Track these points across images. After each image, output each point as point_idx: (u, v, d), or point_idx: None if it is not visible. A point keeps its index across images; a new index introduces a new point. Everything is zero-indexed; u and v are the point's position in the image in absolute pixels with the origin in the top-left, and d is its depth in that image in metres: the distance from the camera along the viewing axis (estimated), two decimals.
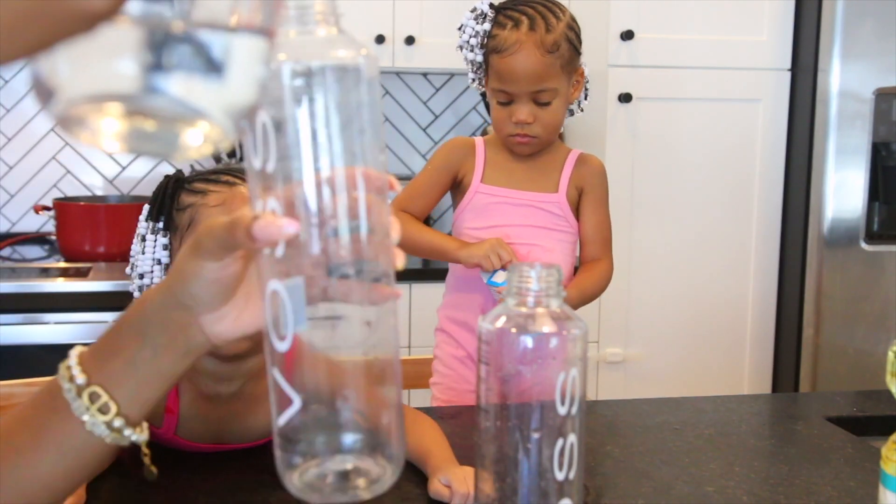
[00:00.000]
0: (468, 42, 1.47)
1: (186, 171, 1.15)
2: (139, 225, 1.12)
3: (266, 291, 0.56)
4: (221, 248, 0.58)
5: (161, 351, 0.61)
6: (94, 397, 0.60)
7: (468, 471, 1.01)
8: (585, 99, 1.56)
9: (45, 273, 2.29)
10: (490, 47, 1.45)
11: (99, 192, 2.79)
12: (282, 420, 0.57)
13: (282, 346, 0.56)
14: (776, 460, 1.15)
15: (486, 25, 1.45)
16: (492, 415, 0.71)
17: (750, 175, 2.51)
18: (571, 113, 1.57)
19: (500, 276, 1.42)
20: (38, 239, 2.70)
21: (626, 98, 2.39)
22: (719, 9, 2.43)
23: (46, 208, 2.55)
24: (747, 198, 2.51)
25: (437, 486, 1.00)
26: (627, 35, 2.37)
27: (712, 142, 2.47)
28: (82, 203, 2.51)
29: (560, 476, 0.70)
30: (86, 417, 0.60)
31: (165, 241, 1.09)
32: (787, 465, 1.12)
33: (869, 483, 1.05)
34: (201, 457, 1.10)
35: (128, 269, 1.13)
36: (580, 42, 1.48)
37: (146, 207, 1.12)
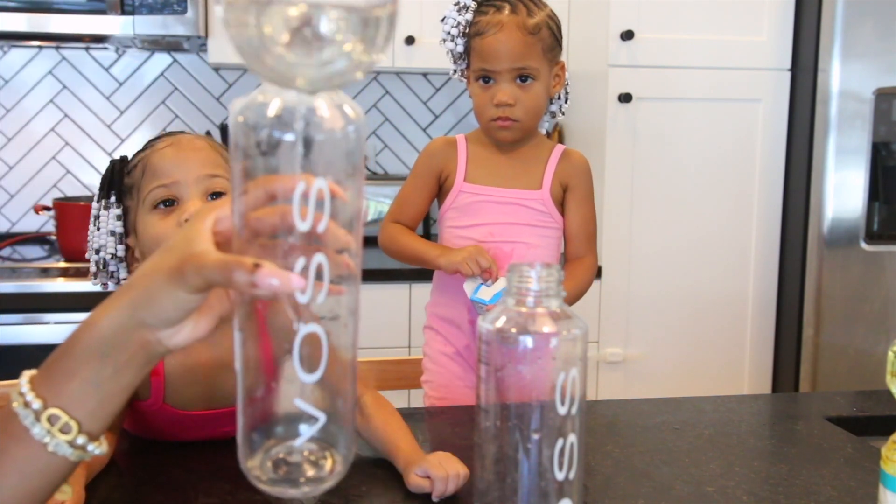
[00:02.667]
0: (449, 33, 1.48)
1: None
2: (92, 208, 1.15)
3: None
4: (208, 284, 0.57)
5: (122, 368, 0.61)
6: (53, 419, 0.60)
7: (441, 455, 1.02)
8: (566, 102, 1.57)
9: (45, 273, 2.29)
10: (472, 33, 1.46)
11: None
12: (245, 408, 0.58)
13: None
14: (776, 460, 1.15)
15: (468, 15, 1.47)
16: (492, 415, 0.71)
17: (750, 175, 2.51)
18: (553, 115, 1.57)
19: (484, 293, 1.40)
20: (38, 239, 2.70)
21: (626, 98, 2.39)
22: (719, 9, 2.43)
23: (46, 208, 2.55)
24: (747, 197, 2.51)
25: (415, 480, 1.01)
26: (627, 35, 2.37)
27: (712, 142, 2.47)
28: (82, 203, 2.51)
29: (560, 476, 0.70)
30: (47, 440, 0.60)
31: (119, 211, 1.12)
32: (787, 465, 1.12)
33: (869, 483, 1.05)
34: (201, 457, 1.09)
35: (87, 254, 1.14)
36: (561, 36, 1.49)
37: (97, 194, 1.15)
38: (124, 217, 1.13)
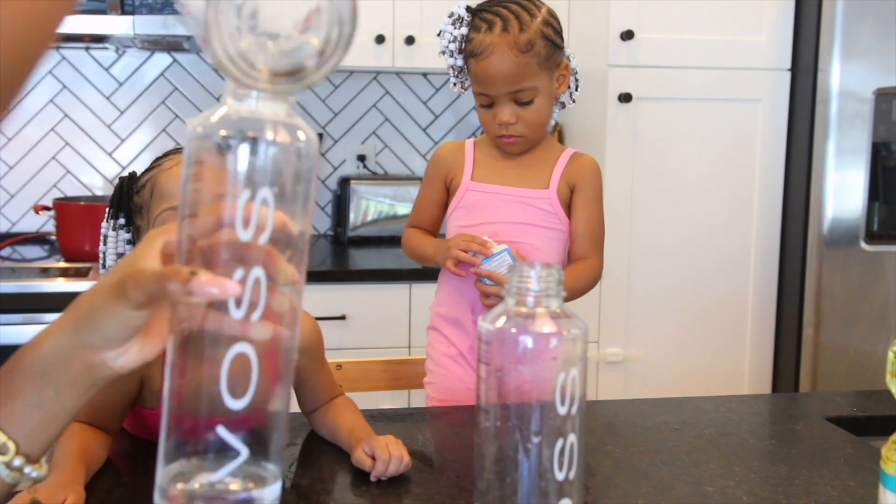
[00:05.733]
0: (448, 47, 1.47)
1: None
2: (102, 227, 1.16)
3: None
4: (149, 297, 0.57)
5: (64, 389, 0.60)
6: None
7: (390, 438, 1.07)
8: (577, 90, 1.55)
9: (45, 273, 2.29)
10: (468, 52, 1.45)
11: (99, 192, 2.79)
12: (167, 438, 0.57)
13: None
14: (776, 460, 1.15)
15: (463, 30, 1.45)
16: (492, 415, 0.71)
17: (750, 175, 2.50)
18: (563, 105, 1.56)
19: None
20: (38, 239, 2.70)
21: (626, 98, 2.39)
22: (719, 9, 2.43)
23: (46, 208, 2.55)
24: (747, 197, 2.51)
25: (360, 455, 1.05)
26: (627, 35, 2.37)
27: (712, 142, 2.47)
28: (82, 203, 2.51)
29: (560, 476, 0.70)
30: None
31: (128, 235, 1.14)
32: (787, 465, 1.12)
33: (869, 483, 1.05)
34: None
35: (101, 269, 1.17)
36: (560, 36, 1.47)
37: (107, 212, 1.16)
38: (135, 235, 1.14)
